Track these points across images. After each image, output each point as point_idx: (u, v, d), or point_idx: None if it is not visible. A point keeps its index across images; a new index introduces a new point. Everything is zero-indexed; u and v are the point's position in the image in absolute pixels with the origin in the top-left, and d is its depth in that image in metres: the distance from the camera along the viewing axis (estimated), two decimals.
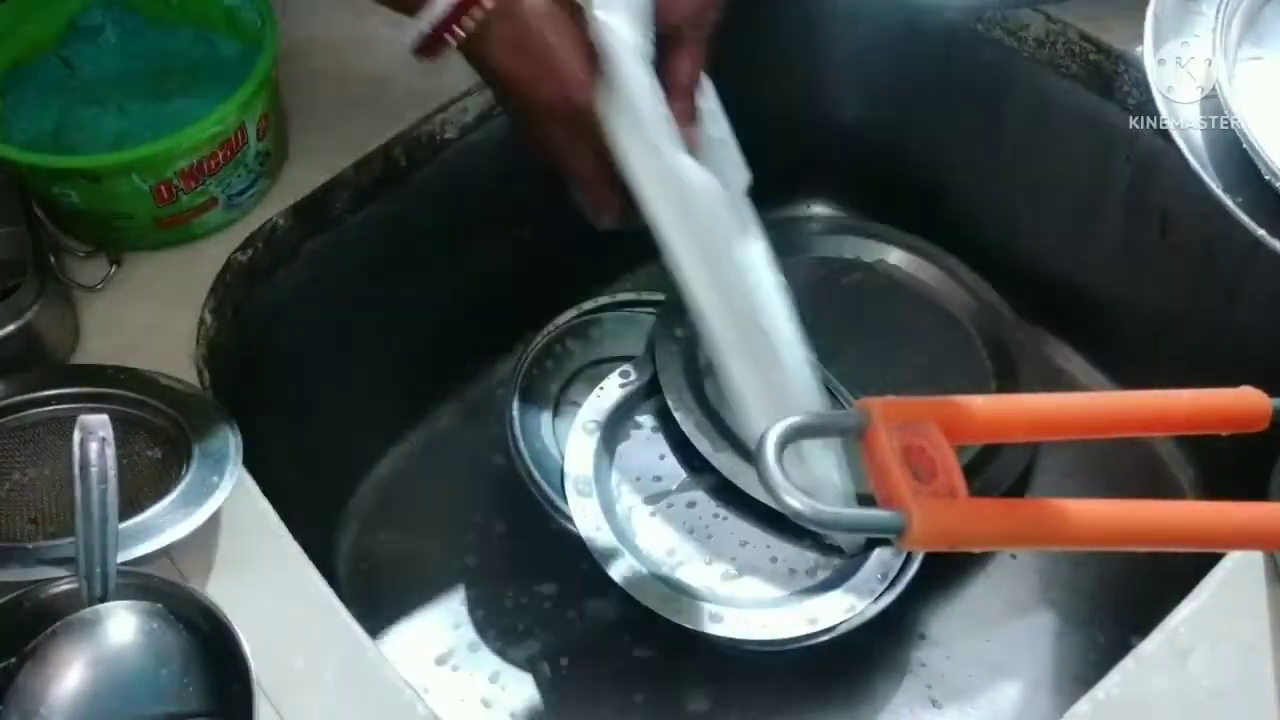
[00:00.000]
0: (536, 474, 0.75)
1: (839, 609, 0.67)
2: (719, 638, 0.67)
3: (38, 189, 0.69)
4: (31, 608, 0.53)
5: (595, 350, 0.84)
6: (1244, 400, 0.45)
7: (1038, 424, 0.46)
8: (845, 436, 0.42)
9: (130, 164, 0.66)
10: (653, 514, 0.72)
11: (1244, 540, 0.46)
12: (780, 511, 0.39)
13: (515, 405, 0.78)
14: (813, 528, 0.40)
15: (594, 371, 0.83)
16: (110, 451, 0.53)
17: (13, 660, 0.52)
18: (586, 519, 0.70)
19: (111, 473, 0.52)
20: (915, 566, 0.68)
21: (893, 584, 0.68)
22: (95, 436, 0.53)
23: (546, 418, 0.81)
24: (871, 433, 0.41)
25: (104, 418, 0.54)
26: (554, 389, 0.82)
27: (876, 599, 0.67)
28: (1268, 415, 0.45)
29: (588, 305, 0.83)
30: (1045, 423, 0.46)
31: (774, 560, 0.70)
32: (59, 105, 0.73)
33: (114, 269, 0.69)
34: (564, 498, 0.73)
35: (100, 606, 0.52)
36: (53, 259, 0.67)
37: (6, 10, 0.72)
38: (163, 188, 0.67)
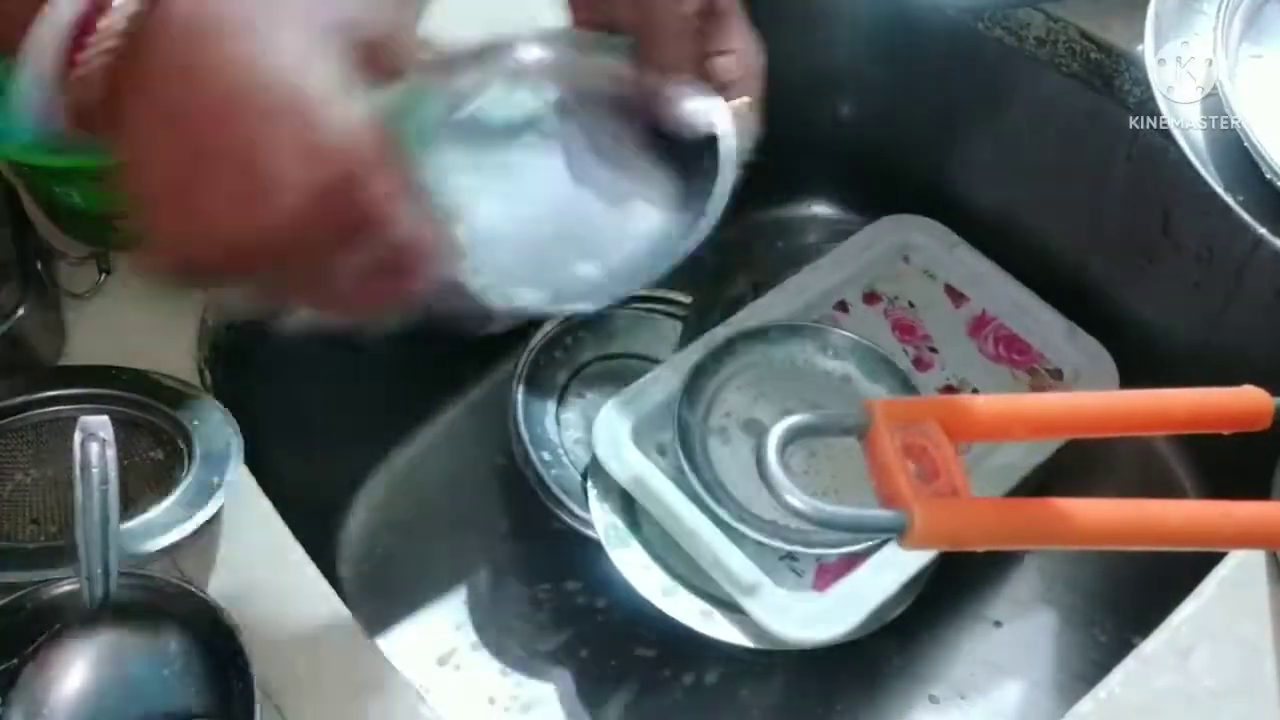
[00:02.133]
0: (536, 461, 0.75)
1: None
2: (722, 640, 0.67)
3: (39, 190, 0.69)
4: (34, 609, 0.53)
5: (606, 345, 0.84)
6: (1245, 399, 0.45)
7: (1039, 423, 0.45)
8: (847, 436, 0.42)
9: None
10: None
11: (1246, 539, 0.46)
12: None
13: (520, 392, 0.78)
14: (814, 526, 0.40)
15: (603, 366, 0.83)
16: (111, 453, 0.53)
17: (14, 662, 0.52)
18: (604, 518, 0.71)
19: (112, 474, 0.52)
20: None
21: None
22: (96, 438, 0.53)
23: (551, 406, 0.81)
24: (873, 432, 0.41)
25: (104, 419, 0.54)
26: (561, 379, 0.82)
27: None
28: (1269, 414, 0.45)
29: None
30: (1047, 422, 0.45)
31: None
32: None
33: (104, 277, 0.69)
34: (564, 488, 0.74)
35: (102, 609, 0.52)
36: (39, 264, 0.66)
37: None
38: None
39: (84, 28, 0.36)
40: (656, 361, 0.84)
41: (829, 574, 0.69)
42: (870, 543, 0.68)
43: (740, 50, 0.56)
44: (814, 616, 0.65)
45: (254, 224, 0.37)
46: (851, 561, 0.68)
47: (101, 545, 0.52)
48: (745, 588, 0.66)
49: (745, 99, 0.56)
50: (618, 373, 0.84)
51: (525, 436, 0.76)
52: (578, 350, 0.83)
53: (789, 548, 0.68)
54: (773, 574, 0.68)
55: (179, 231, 0.38)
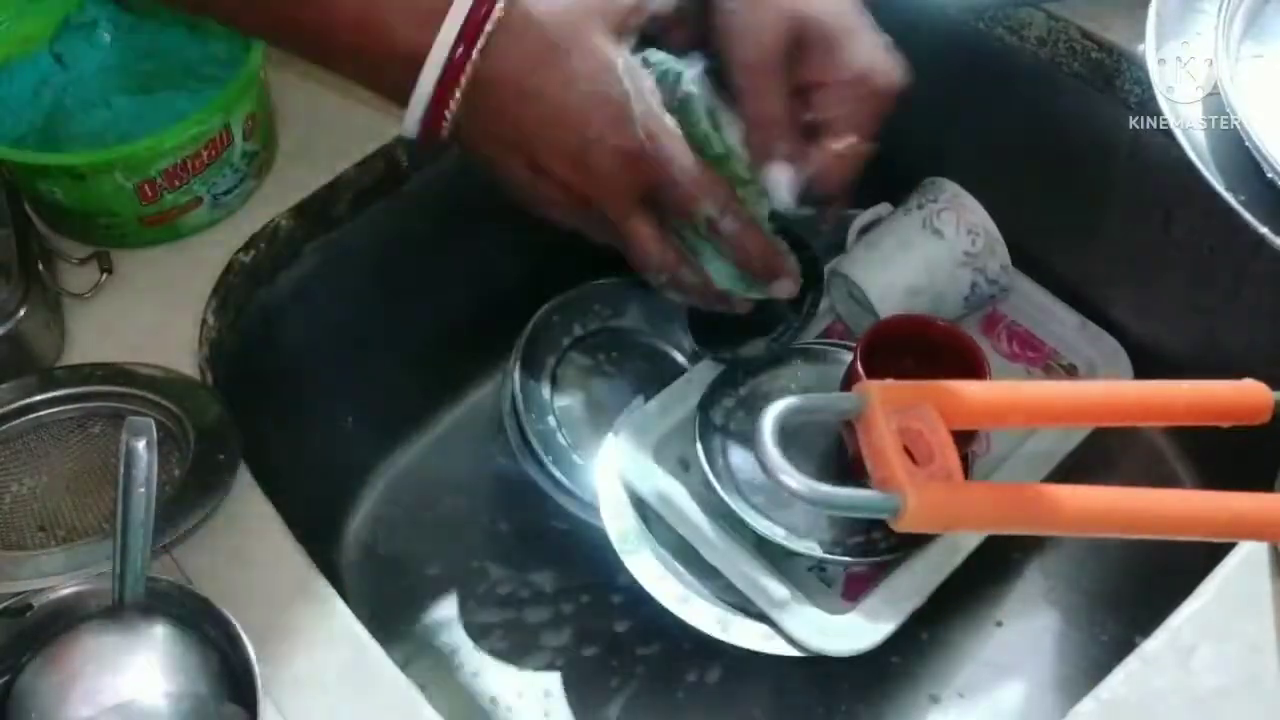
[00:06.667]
0: (537, 445, 0.76)
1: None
2: (743, 647, 0.67)
3: (24, 186, 0.69)
4: (41, 614, 0.53)
5: (609, 319, 0.85)
6: (1245, 393, 0.45)
7: (1037, 410, 0.45)
8: (843, 418, 0.42)
9: (112, 162, 0.66)
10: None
11: (1243, 529, 0.46)
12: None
13: (517, 372, 0.78)
14: (809, 506, 0.40)
15: (605, 337, 0.85)
16: (154, 456, 0.53)
17: (23, 661, 0.52)
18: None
19: (153, 477, 0.53)
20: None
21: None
22: (141, 439, 0.53)
23: (549, 362, 0.82)
24: (869, 415, 0.41)
25: (150, 421, 0.54)
26: (551, 361, 0.83)
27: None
28: (1269, 408, 0.45)
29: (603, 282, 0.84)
30: (1044, 409, 0.45)
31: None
32: (49, 101, 0.73)
33: (104, 277, 0.69)
34: (561, 469, 0.74)
35: (104, 610, 0.52)
36: (40, 265, 0.66)
37: (1, 7, 0.72)
38: (146, 186, 0.67)
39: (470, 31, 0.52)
40: (654, 336, 0.84)
41: (859, 583, 0.69)
42: (901, 552, 0.68)
43: (842, 82, 0.58)
44: (846, 628, 0.65)
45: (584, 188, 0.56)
46: (881, 568, 0.68)
47: (140, 545, 0.52)
48: (776, 602, 0.66)
49: (848, 141, 0.59)
50: (621, 345, 0.85)
51: (524, 421, 0.77)
52: (581, 320, 0.84)
53: (821, 555, 0.68)
54: (802, 586, 0.68)
55: (536, 202, 0.58)
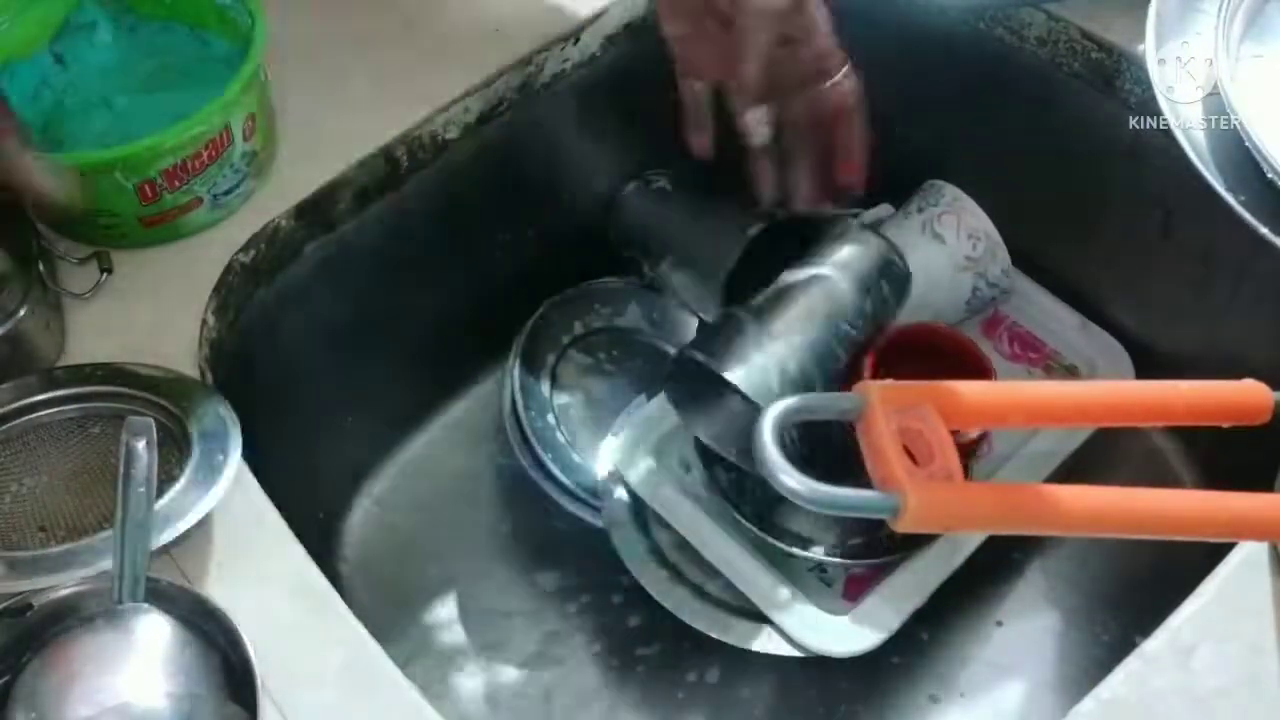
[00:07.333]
0: (537, 444, 0.76)
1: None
2: (744, 647, 0.67)
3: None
4: (41, 614, 0.53)
5: (611, 318, 0.85)
6: (1245, 393, 0.45)
7: (1037, 411, 0.45)
8: (843, 418, 0.42)
9: (112, 162, 0.66)
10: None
11: (1243, 529, 0.46)
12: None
13: (517, 370, 0.78)
14: (808, 507, 0.40)
15: (595, 339, 0.85)
16: (153, 455, 0.53)
17: (23, 661, 0.52)
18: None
19: (153, 476, 0.52)
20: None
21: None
22: (140, 439, 0.53)
23: (545, 385, 0.82)
24: (869, 415, 0.41)
25: (149, 421, 0.54)
26: (551, 359, 0.83)
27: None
28: (1269, 408, 0.45)
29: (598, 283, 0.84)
30: (1044, 409, 0.45)
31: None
32: (49, 101, 0.73)
33: (104, 277, 0.69)
34: (561, 468, 0.74)
35: (104, 610, 0.52)
36: (40, 265, 0.66)
37: (1, 7, 0.72)
38: (146, 186, 0.67)
39: None
40: (654, 336, 0.85)
41: (860, 583, 0.69)
42: (900, 554, 0.68)
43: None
44: (846, 628, 0.65)
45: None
46: (881, 569, 0.68)
47: (140, 545, 0.52)
48: (776, 602, 0.66)
49: None
50: (621, 344, 0.86)
51: (523, 417, 0.77)
52: (582, 318, 0.84)
53: (821, 556, 0.68)
54: (802, 586, 0.68)
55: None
